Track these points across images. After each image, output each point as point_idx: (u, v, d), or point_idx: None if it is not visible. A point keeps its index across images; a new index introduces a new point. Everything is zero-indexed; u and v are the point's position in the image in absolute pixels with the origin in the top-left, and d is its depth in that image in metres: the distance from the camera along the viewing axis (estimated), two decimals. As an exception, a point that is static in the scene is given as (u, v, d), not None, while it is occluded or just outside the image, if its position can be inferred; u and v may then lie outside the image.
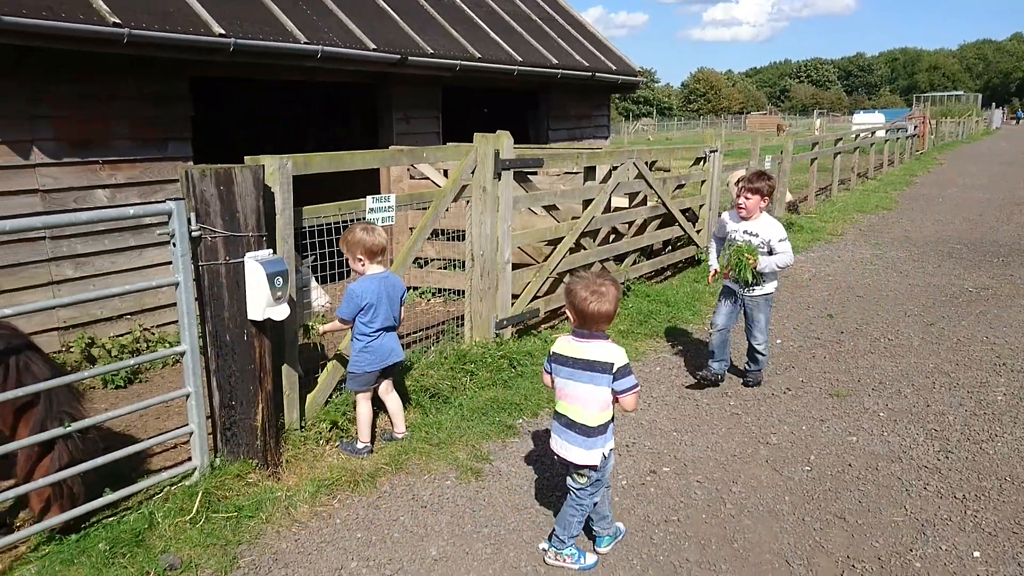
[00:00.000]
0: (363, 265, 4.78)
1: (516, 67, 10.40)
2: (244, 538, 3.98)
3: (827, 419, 5.59)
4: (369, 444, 4.93)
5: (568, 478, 3.82)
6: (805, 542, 4.02)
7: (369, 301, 4.74)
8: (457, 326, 6.80)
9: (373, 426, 5.07)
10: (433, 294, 9.14)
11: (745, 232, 5.91)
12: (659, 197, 9.12)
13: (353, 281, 4.86)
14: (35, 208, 6.33)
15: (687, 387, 6.22)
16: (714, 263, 6.28)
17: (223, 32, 6.86)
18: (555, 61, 11.37)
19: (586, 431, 3.66)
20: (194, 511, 4.08)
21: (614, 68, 12.81)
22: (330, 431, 5.02)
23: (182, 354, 4.32)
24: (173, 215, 4.06)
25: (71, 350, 6.50)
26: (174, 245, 4.13)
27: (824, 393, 6.09)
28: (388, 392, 5.10)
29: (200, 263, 4.26)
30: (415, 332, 7.28)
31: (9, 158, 6.16)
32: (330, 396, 5.28)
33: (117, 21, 6.12)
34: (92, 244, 6.72)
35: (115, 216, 4.00)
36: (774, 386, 6.24)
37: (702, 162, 10.50)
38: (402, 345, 6.63)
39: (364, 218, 5.41)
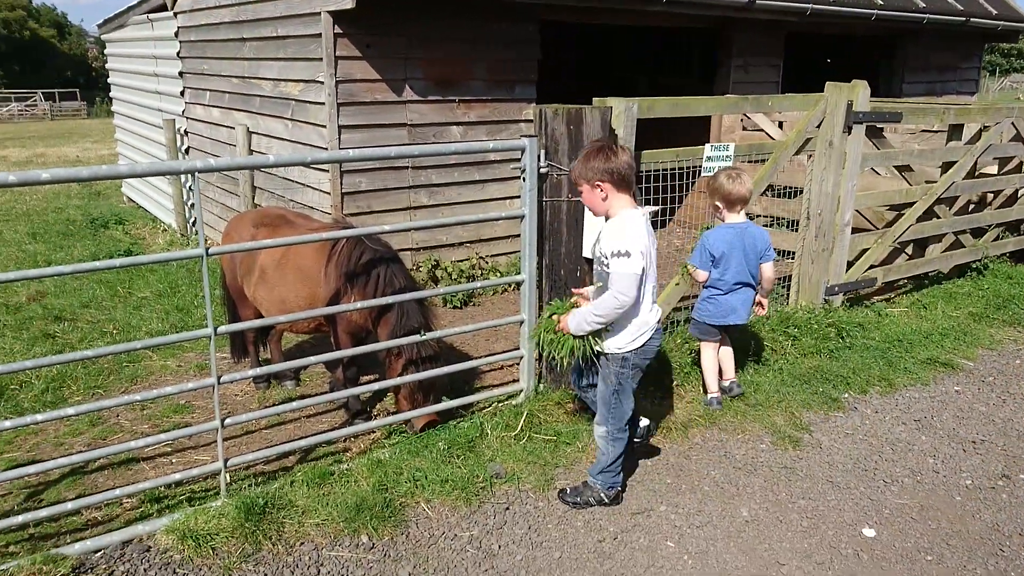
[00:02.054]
0: (721, 213, 4.64)
1: (875, 11, 9.38)
2: (561, 462, 4.21)
3: None
4: (718, 394, 4.85)
5: None
6: None
7: (722, 251, 4.58)
8: (781, 286, 6.47)
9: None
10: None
11: (596, 245, 3.77)
12: (1040, 164, 7.78)
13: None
14: (403, 140, 7.11)
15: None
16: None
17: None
18: (921, 4, 10.06)
19: None
20: (519, 428, 4.40)
21: (994, 12, 11.03)
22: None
23: (520, 283, 4.60)
24: (526, 151, 4.30)
25: (419, 269, 7.28)
26: (523, 179, 4.38)
27: None
28: (723, 344, 4.95)
29: (544, 199, 4.48)
30: (733, 288, 7.04)
31: (387, 95, 6.97)
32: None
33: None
34: (444, 176, 7.41)
35: (478, 149, 4.36)
36: None
37: (1103, 126, 8.71)
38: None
39: (701, 166, 5.32)
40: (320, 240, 4.25)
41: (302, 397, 5.11)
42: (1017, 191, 8.10)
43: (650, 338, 3.68)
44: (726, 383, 4.93)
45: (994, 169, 7.92)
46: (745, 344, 5.47)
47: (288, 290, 4.55)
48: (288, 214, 4.92)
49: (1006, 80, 65.30)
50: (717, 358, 4.90)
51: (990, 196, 7.98)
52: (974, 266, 7.60)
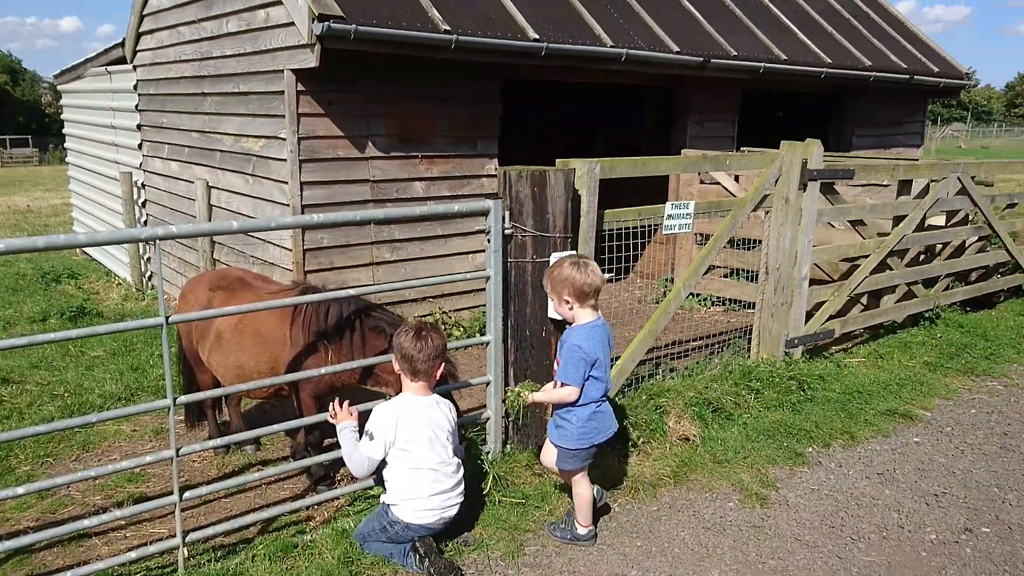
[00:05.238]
0: (571, 309, 3.85)
1: (824, 69, 9.73)
2: (530, 526, 4.15)
3: None
4: (594, 528, 4.09)
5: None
6: None
7: (598, 355, 3.83)
8: (742, 339, 6.55)
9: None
10: (713, 302, 8.90)
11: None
12: (985, 217, 8.06)
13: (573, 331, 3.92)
14: (365, 196, 7.11)
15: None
16: None
17: (537, 37, 7.18)
18: (868, 63, 10.47)
19: None
20: (486, 491, 4.33)
21: (936, 70, 11.52)
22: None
23: (486, 343, 4.58)
24: (491, 213, 4.32)
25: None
26: (489, 241, 4.40)
27: None
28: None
29: (509, 259, 4.50)
30: (695, 340, 7.12)
31: (349, 151, 6.98)
32: (614, 398, 5.33)
33: (447, 28, 6.65)
34: (407, 231, 7.40)
35: (442, 213, 4.34)
36: None
37: (1042, 179, 9.11)
38: (682, 352, 6.62)
39: (662, 223, 5.39)
40: (284, 306, 4.19)
41: (263, 463, 5.00)
42: (964, 242, 8.37)
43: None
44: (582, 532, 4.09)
45: (942, 221, 8.19)
46: (710, 399, 5.50)
47: (247, 356, 4.46)
48: (247, 276, 4.84)
49: (947, 129, 67.93)
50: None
51: (939, 247, 8.23)
52: (927, 315, 7.79)
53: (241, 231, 3.63)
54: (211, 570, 3.53)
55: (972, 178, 7.79)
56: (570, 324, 3.93)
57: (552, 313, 4.48)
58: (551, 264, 4.00)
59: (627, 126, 11.91)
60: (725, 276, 8.72)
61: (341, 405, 3.89)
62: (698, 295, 8.87)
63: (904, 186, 7.39)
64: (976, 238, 8.39)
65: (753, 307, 6.43)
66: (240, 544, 3.95)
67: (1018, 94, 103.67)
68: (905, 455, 5.15)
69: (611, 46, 7.74)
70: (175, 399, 3.46)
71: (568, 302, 3.83)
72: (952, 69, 11.91)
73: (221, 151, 8.02)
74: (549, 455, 4.13)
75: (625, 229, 5.44)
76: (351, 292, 4.17)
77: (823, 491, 4.64)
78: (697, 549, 4.02)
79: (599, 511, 4.22)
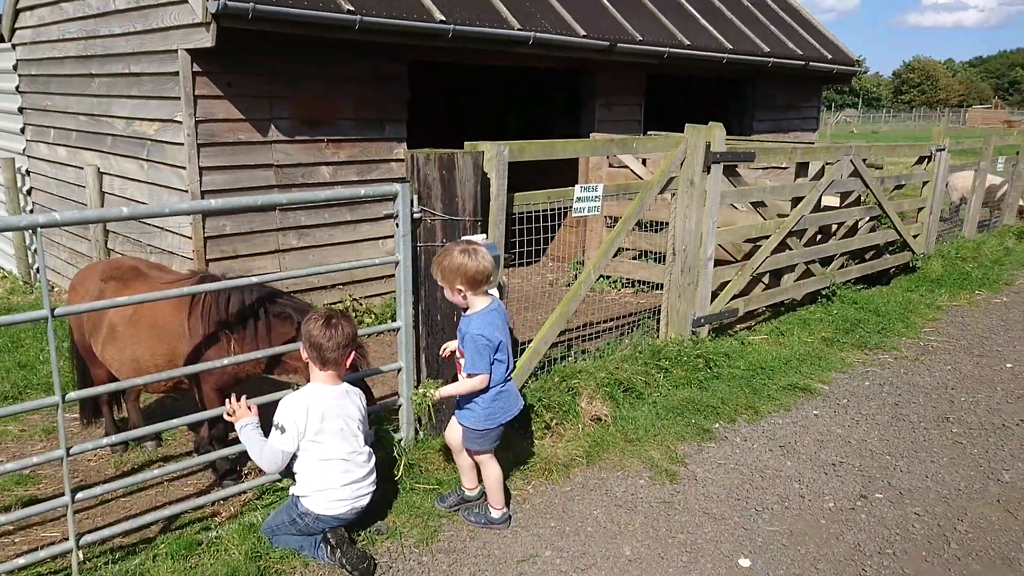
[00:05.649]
0: (463, 297, 3.80)
1: (726, 55, 9.99)
2: (444, 513, 4.12)
3: (1072, 460, 4.96)
4: (507, 510, 4.11)
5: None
6: (1046, 599, 3.58)
7: (499, 339, 3.81)
8: (651, 319, 6.68)
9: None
10: (623, 284, 9.05)
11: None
12: (875, 197, 8.47)
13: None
14: (269, 181, 6.88)
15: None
16: None
17: (443, 19, 7.09)
18: (766, 49, 10.81)
19: None
20: (398, 477, 4.27)
21: (829, 57, 12.00)
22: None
23: (397, 330, 4.51)
24: (399, 197, 4.24)
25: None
26: (397, 225, 4.32)
27: (1067, 430, 5.41)
28: None
29: (418, 244, 4.43)
30: (606, 321, 7.22)
31: (251, 135, 6.73)
32: (527, 381, 5.34)
33: (351, 8, 6.48)
34: (314, 217, 7.21)
35: (348, 196, 4.24)
36: (1005, 415, 5.62)
37: (926, 161, 9.63)
38: (594, 334, 6.71)
39: (572, 206, 5.42)
40: (180, 296, 4.00)
41: (164, 459, 4.80)
42: (857, 222, 8.77)
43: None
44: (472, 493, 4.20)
45: (837, 202, 8.55)
46: (621, 379, 5.58)
47: (142, 349, 4.25)
48: (141, 265, 4.61)
49: (841, 114, 71.08)
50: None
51: (834, 227, 8.60)
52: (824, 293, 8.14)
53: (132, 217, 3.44)
54: (108, 572, 3.36)
55: (864, 161, 8.16)
56: (465, 312, 3.89)
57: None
58: (439, 253, 3.84)
59: (541, 111, 11.94)
60: (635, 258, 8.87)
61: (239, 401, 3.74)
62: (609, 277, 9.00)
63: (801, 168, 7.67)
64: (868, 218, 8.80)
65: (662, 288, 6.57)
66: (140, 544, 3.78)
67: (904, 81, 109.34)
68: (805, 427, 5.36)
69: (519, 29, 7.71)
70: (64, 396, 3.26)
71: (461, 290, 3.76)
72: (844, 56, 12.42)
73: (113, 135, 7.62)
74: (453, 432, 4.11)
75: (537, 212, 5.44)
76: (253, 280, 4.02)
77: (729, 465, 4.79)
78: (609, 527, 4.08)
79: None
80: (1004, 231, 12.21)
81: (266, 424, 3.72)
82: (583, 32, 8.36)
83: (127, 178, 7.50)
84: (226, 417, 3.76)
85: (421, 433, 4.70)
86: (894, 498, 4.44)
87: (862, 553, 3.90)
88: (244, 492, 4.22)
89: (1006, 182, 12.92)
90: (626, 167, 8.70)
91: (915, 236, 9.62)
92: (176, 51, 6.38)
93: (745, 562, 3.80)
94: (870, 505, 4.36)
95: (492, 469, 4.03)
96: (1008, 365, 6.68)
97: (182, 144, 6.48)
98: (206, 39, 6.06)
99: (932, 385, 6.19)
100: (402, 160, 7.51)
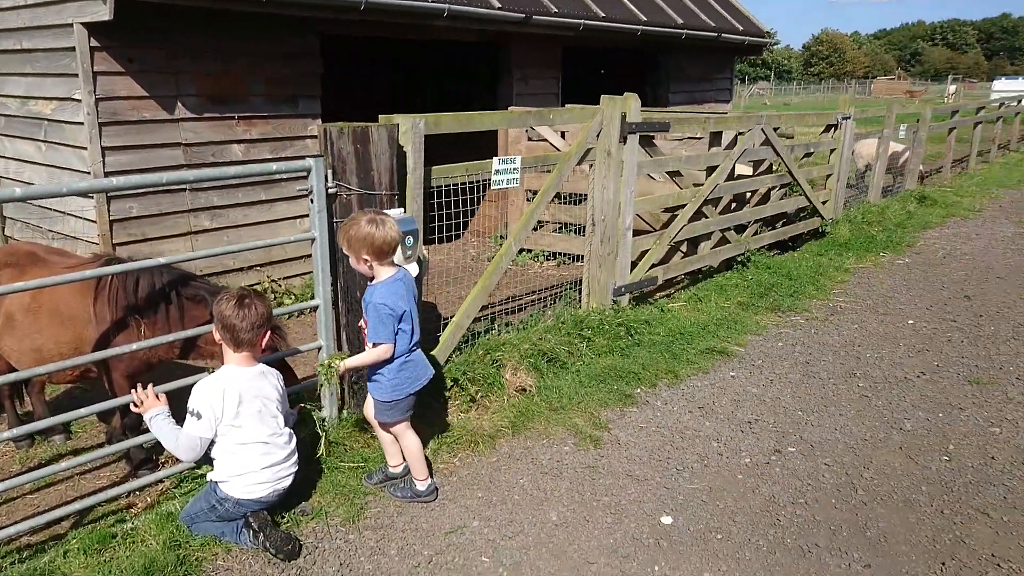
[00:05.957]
0: (369, 267, 3.77)
1: (640, 27, 10.10)
2: (370, 490, 4.10)
3: (966, 407, 5.26)
4: (432, 481, 4.12)
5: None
6: (944, 536, 3.81)
7: (404, 308, 3.79)
8: (573, 290, 6.75)
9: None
10: (546, 257, 9.11)
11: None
12: (786, 166, 8.73)
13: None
14: (178, 161, 6.63)
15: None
16: None
17: (354, -10, 6.92)
18: (680, 21, 10.97)
19: None
20: (319, 455, 4.21)
21: (741, 28, 12.27)
22: (449, 389, 5.08)
23: (316, 308, 4.43)
24: (312, 172, 4.15)
25: (206, 297, 6.82)
26: (312, 201, 4.23)
27: (962, 379, 5.73)
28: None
29: (335, 220, 4.35)
30: (530, 295, 7.27)
31: (157, 112, 6.46)
32: (451, 355, 5.34)
33: (256, -21, 6.26)
34: (227, 197, 7.00)
35: (259, 171, 4.12)
36: (907, 369, 5.92)
37: (833, 130, 9.98)
38: (517, 307, 6.75)
39: (489, 179, 5.41)
40: (83, 279, 3.83)
41: (75, 452, 4.62)
42: (770, 190, 9.03)
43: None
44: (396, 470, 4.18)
45: (750, 171, 8.78)
46: (545, 349, 5.64)
47: (44, 338, 4.05)
48: (39, 250, 4.38)
49: (754, 87, 72.91)
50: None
51: (748, 195, 8.83)
52: (739, 259, 8.38)
53: (25, 198, 3.27)
54: (15, 572, 3.22)
55: (775, 130, 8.40)
56: (371, 282, 3.86)
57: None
58: (345, 222, 3.79)
59: (467, 84, 11.85)
60: (556, 231, 8.95)
61: (145, 390, 3.62)
62: (531, 251, 9.05)
63: (715, 138, 7.84)
64: (780, 186, 9.07)
65: (583, 259, 6.64)
66: (51, 541, 3.63)
67: (813, 54, 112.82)
68: (723, 389, 5.53)
69: (433, 2, 7.61)
70: (-42, 389, 3.09)
71: (367, 260, 3.74)
72: (756, 28, 12.72)
73: (6, 116, 7.21)
74: (369, 407, 4.10)
75: (457, 186, 5.41)
76: (161, 261, 3.88)
77: (651, 428, 4.91)
78: (536, 494, 4.14)
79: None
80: (906, 196, 12.79)
81: (178, 411, 3.62)
82: (498, 4, 8.31)
83: (23, 160, 7.12)
84: (133, 409, 3.63)
85: (345, 411, 4.65)
86: (806, 451, 4.63)
87: (776, 504, 4.06)
88: (161, 481, 4.10)
89: (907, 149, 13.52)
90: (545, 140, 8.74)
91: (824, 202, 9.98)
92: (71, 25, 6.05)
93: (667, 519, 3.91)
94: (784, 459, 4.54)
95: (410, 440, 4.02)
96: (910, 322, 7.02)
97: (82, 124, 6.17)
98: (103, 12, 5.77)
99: (840, 343, 6.47)
100: (317, 137, 7.34)
